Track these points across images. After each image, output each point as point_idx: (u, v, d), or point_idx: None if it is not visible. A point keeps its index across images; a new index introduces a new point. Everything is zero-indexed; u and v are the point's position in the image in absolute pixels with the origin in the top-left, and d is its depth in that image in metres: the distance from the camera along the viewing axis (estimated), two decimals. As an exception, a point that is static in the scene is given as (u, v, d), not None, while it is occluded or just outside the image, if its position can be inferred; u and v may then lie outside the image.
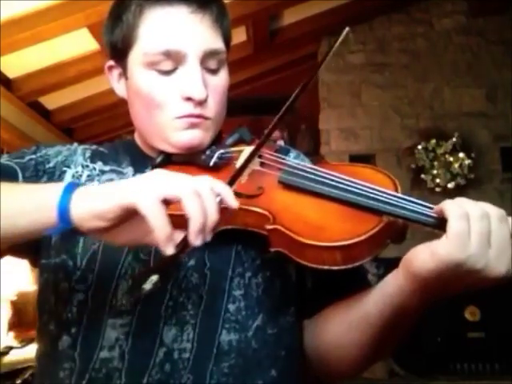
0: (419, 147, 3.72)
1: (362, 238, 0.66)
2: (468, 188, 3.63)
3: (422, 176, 3.68)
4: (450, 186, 3.63)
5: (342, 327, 0.80)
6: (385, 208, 0.68)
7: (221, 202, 0.63)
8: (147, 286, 0.59)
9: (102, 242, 0.79)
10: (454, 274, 0.63)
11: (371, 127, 3.86)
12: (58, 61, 3.02)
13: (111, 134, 3.79)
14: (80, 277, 0.79)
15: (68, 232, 0.79)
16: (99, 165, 0.89)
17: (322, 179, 0.75)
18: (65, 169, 0.87)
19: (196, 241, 0.61)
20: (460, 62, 3.86)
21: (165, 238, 0.60)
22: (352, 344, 0.80)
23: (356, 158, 3.74)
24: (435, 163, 3.68)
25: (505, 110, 3.74)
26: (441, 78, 3.85)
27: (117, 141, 0.99)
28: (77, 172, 0.87)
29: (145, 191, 0.61)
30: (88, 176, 0.87)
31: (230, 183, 0.69)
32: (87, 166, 0.88)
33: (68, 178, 0.86)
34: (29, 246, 0.79)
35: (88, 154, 0.91)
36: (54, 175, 0.86)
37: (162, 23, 0.82)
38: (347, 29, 0.81)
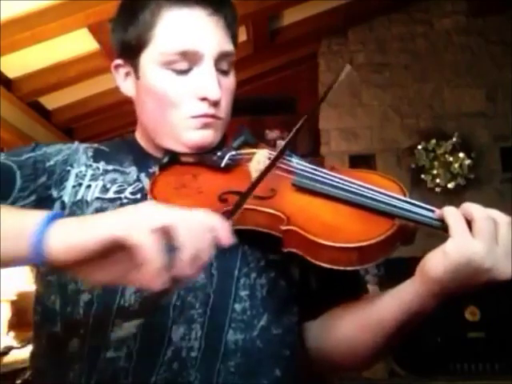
0: (419, 147, 3.72)
1: (379, 239, 0.68)
2: (468, 188, 3.63)
3: (422, 176, 3.68)
4: (450, 186, 3.64)
5: (353, 329, 0.82)
6: (398, 212, 0.71)
7: (215, 237, 0.61)
8: None
9: None
10: (465, 273, 0.66)
11: (371, 127, 3.86)
12: (57, 61, 3.02)
13: (111, 134, 3.78)
14: None
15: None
16: (102, 164, 0.88)
17: (336, 183, 0.77)
18: (68, 168, 0.87)
19: (186, 272, 0.58)
20: (460, 62, 3.86)
21: (156, 272, 0.57)
22: (362, 345, 0.81)
23: (356, 158, 3.75)
24: (435, 163, 3.69)
25: (505, 110, 3.74)
26: (441, 77, 3.85)
27: (117, 139, 0.98)
28: (80, 171, 0.87)
29: (136, 223, 0.58)
30: (92, 175, 0.86)
31: (244, 197, 0.69)
32: (90, 166, 0.88)
33: (72, 177, 0.86)
34: None
35: (90, 152, 0.90)
36: (53, 173, 0.85)
37: (180, 24, 0.83)
38: (348, 66, 0.82)
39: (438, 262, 0.67)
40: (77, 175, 0.86)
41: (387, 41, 3.95)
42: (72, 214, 0.82)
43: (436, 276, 0.68)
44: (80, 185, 0.85)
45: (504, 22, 3.76)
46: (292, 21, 3.69)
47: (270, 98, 4.17)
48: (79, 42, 2.88)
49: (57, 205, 0.84)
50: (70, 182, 0.85)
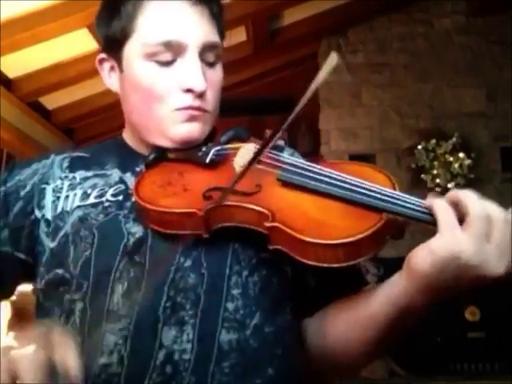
0: (419, 147, 3.72)
1: (364, 234, 0.66)
2: (468, 188, 3.60)
3: (422, 176, 3.68)
4: (450, 186, 3.63)
5: (349, 325, 0.81)
6: (384, 205, 0.68)
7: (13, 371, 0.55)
8: None
9: (94, 247, 0.79)
10: (452, 270, 0.64)
11: (371, 127, 3.85)
12: (57, 61, 3.02)
13: (111, 134, 3.76)
14: (76, 285, 0.78)
15: (59, 247, 0.79)
16: (80, 173, 0.88)
17: (322, 177, 0.75)
18: (43, 186, 0.86)
19: None
20: (460, 62, 3.86)
21: None
22: (358, 341, 0.80)
23: (356, 158, 3.74)
24: (435, 163, 3.68)
25: (505, 109, 3.73)
26: (441, 77, 3.85)
27: (107, 140, 0.97)
28: (56, 186, 0.86)
29: None
30: (69, 186, 0.86)
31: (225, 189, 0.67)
32: (66, 177, 0.87)
33: (49, 193, 0.86)
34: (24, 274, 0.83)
35: (66, 163, 0.89)
36: (32, 198, 0.86)
37: (163, 14, 0.82)
38: (334, 55, 0.78)
39: (424, 258, 0.65)
40: (54, 190, 0.86)
41: (387, 41, 3.94)
42: (56, 227, 0.83)
43: (422, 272, 0.66)
44: (58, 198, 0.85)
45: (504, 21, 3.75)
46: (292, 21, 3.68)
47: (270, 98, 4.17)
48: (79, 42, 2.88)
49: (42, 224, 0.84)
50: (49, 198, 0.85)
